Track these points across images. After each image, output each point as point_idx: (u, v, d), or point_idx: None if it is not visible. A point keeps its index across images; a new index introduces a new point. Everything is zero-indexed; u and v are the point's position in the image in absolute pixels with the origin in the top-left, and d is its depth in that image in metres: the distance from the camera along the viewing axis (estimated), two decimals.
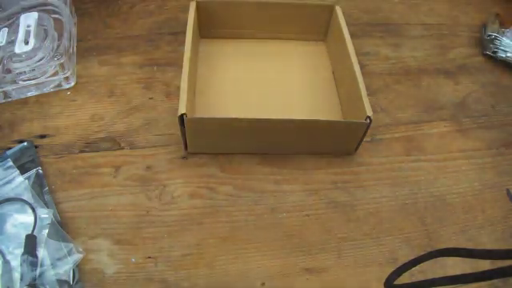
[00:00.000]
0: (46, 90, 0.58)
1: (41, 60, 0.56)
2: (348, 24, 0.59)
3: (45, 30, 0.60)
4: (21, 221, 0.46)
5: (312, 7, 0.62)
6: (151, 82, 0.61)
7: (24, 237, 0.44)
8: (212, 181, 0.52)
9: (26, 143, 0.53)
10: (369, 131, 0.51)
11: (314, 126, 0.51)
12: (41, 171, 0.50)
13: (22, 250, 0.43)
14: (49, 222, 0.46)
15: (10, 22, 0.61)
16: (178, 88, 0.49)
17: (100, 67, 0.62)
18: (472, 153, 0.57)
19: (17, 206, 0.47)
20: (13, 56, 0.56)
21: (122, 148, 0.54)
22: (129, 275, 0.45)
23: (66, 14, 0.62)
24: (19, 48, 0.57)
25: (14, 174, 0.49)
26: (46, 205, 0.47)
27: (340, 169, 0.54)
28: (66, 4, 0.63)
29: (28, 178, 0.49)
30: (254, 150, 0.54)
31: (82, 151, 0.54)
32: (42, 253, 0.44)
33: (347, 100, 0.57)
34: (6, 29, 0.60)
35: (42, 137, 0.55)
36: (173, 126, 0.56)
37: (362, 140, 0.52)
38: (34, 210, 0.46)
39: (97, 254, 0.46)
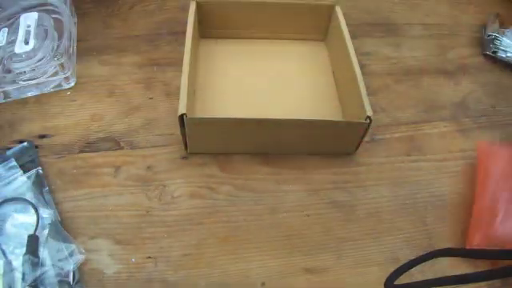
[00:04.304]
0: (46, 90, 0.58)
1: (41, 60, 0.56)
2: (348, 24, 0.59)
3: (45, 29, 0.60)
4: (21, 220, 0.46)
5: (312, 7, 0.62)
6: (151, 82, 0.61)
7: (25, 237, 0.44)
8: (212, 181, 0.52)
9: (26, 143, 0.53)
10: (369, 131, 0.51)
11: (314, 126, 0.51)
12: (41, 171, 0.50)
13: (22, 249, 0.43)
14: (49, 222, 0.46)
15: (10, 21, 0.61)
16: (178, 88, 0.49)
17: (100, 67, 0.62)
18: (472, 153, 0.57)
19: (18, 205, 0.47)
20: (13, 56, 0.56)
21: (122, 148, 0.54)
22: (129, 275, 0.45)
23: (66, 14, 0.62)
24: (19, 48, 0.57)
25: (16, 174, 0.49)
26: (47, 205, 0.47)
27: (340, 169, 0.54)
28: (65, 4, 0.63)
29: (28, 178, 0.49)
30: (254, 150, 0.54)
31: (81, 151, 0.54)
32: (43, 253, 0.44)
33: (347, 100, 0.57)
34: (6, 29, 0.60)
35: (42, 137, 0.55)
36: (173, 125, 0.56)
37: (362, 140, 0.52)
38: (36, 210, 0.46)
39: (97, 254, 0.46)
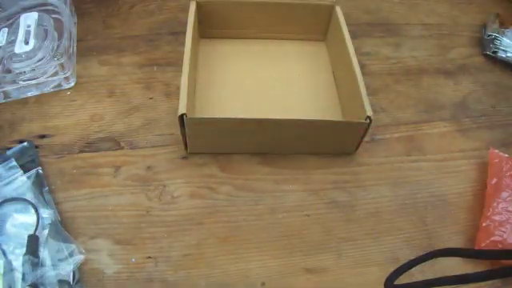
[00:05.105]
0: (46, 89, 0.58)
1: (41, 60, 0.56)
2: (348, 24, 0.59)
3: (45, 29, 0.60)
4: (21, 221, 0.46)
5: (312, 7, 0.62)
6: (151, 82, 0.61)
7: (25, 237, 0.44)
8: (212, 181, 0.52)
9: (26, 143, 0.53)
10: (369, 131, 0.51)
11: (314, 126, 0.51)
12: (41, 171, 0.50)
13: (22, 249, 0.43)
14: (49, 222, 0.46)
15: (10, 21, 0.61)
16: (178, 88, 0.49)
17: (100, 67, 0.62)
18: (472, 153, 0.57)
19: (18, 205, 0.47)
20: (13, 56, 0.56)
21: (122, 148, 0.54)
22: (129, 275, 0.45)
23: (66, 13, 0.62)
24: (19, 48, 0.57)
25: (16, 174, 0.49)
26: (47, 205, 0.47)
27: (340, 169, 0.54)
28: (65, 4, 0.63)
29: (28, 178, 0.49)
30: (253, 150, 0.54)
31: (81, 151, 0.54)
32: (43, 253, 0.44)
33: (347, 100, 0.57)
34: (6, 29, 0.60)
35: (42, 137, 0.55)
36: (173, 125, 0.56)
37: (362, 140, 0.52)
38: (36, 210, 0.46)
39: (97, 254, 0.46)
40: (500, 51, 0.67)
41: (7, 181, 0.48)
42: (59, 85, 0.59)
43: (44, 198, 0.48)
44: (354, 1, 0.75)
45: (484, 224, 0.48)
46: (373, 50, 0.68)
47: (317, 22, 0.64)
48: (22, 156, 0.51)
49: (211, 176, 0.52)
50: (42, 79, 0.57)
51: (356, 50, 0.55)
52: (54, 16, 0.62)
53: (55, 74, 0.57)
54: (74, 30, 0.65)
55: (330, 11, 0.62)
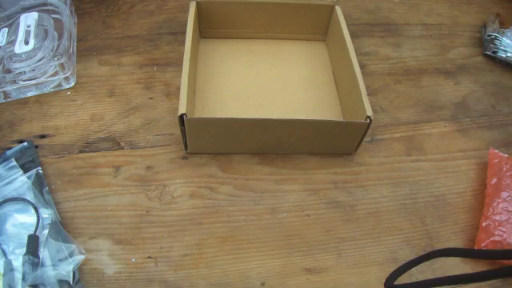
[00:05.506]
0: (46, 90, 0.58)
1: (41, 60, 0.56)
2: (348, 24, 0.59)
3: (45, 29, 0.60)
4: (21, 221, 0.46)
5: (312, 7, 0.62)
6: (151, 82, 0.61)
7: (25, 237, 0.44)
8: (212, 181, 0.52)
9: (26, 143, 0.53)
10: (369, 131, 0.51)
11: (314, 126, 0.51)
12: (41, 171, 0.50)
13: (22, 249, 0.43)
14: (49, 222, 0.46)
15: (10, 22, 0.61)
16: (178, 88, 0.49)
17: (100, 67, 0.62)
18: (472, 153, 0.57)
19: (18, 205, 0.47)
20: (13, 56, 0.56)
21: (122, 148, 0.54)
22: (129, 275, 0.45)
23: (66, 13, 0.62)
24: (19, 48, 0.57)
25: (16, 174, 0.49)
26: (46, 205, 0.47)
27: (340, 169, 0.54)
28: (65, 4, 0.63)
29: (28, 178, 0.49)
30: (254, 150, 0.54)
31: (81, 151, 0.54)
32: (43, 253, 0.44)
33: (347, 100, 0.57)
34: (6, 29, 0.60)
35: (42, 137, 0.55)
36: (173, 125, 0.56)
37: (361, 140, 0.52)
38: (36, 210, 0.46)
39: (97, 254, 0.46)
40: (500, 51, 0.67)
41: (7, 181, 0.48)
42: (59, 85, 0.59)
43: (44, 198, 0.48)
44: (354, 1, 0.75)
45: (484, 224, 0.48)
46: (373, 50, 0.68)
47: (317, 22, 0.64)
48: (22, 156, 0.51)
49: (211, 176, 0.52)
50: (41, 79, 0.57)
51: (356, 50, 0.56)
52: (54, 16, 0.62)
53: (55, 74, 0.57)
54: (74, 30, 0.65)
55: (330, 11, 0.62)
